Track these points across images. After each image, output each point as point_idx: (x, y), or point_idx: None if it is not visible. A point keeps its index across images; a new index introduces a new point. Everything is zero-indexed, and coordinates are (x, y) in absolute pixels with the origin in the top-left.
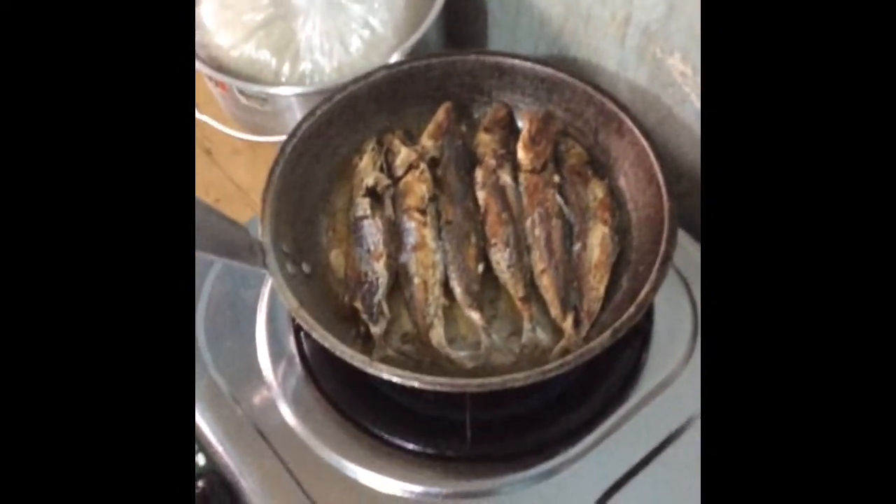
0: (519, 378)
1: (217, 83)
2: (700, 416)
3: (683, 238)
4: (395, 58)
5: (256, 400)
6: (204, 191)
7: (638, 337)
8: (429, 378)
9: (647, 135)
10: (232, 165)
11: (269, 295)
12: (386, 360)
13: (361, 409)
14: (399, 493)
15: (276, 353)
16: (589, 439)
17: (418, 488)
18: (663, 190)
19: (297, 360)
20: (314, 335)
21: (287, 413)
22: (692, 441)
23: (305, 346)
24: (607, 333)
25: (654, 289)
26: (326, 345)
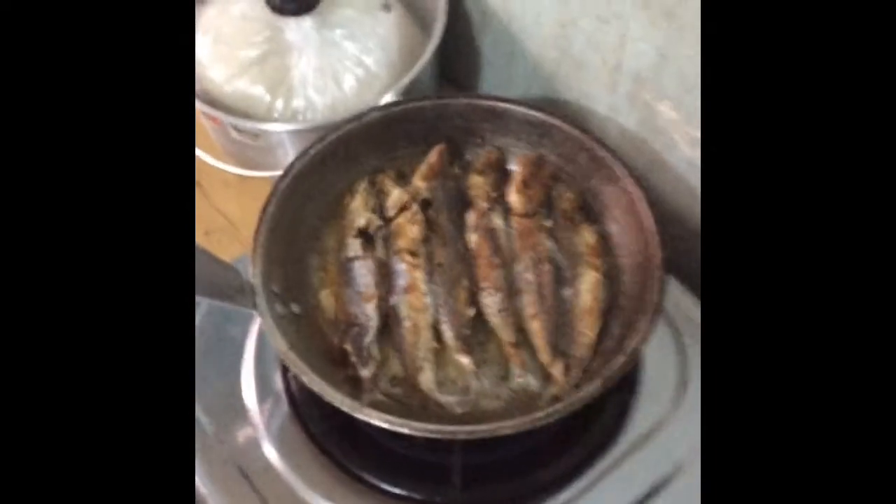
0: (508, 426)
1: (209, 117)
2: (689, 463)
3: (672, 284)
4: (388, 97)
5: (241, 440)
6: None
7: (626, 383)
8: (418, 425)
9: (638, 182)
10: (222, 199)
11: (257, 332)
12: (375, 405)
13: (348, 451)
14: None
15: (263, 392)
16: (576, 487)
17: None
18: (654, 239)
19: (285, 399)
20: (303, 379)
21: (272, 454)
22: (680, 489)
23: (293, 385)
24: (598, 382)
25: (645, 339)
26: (315, 389)
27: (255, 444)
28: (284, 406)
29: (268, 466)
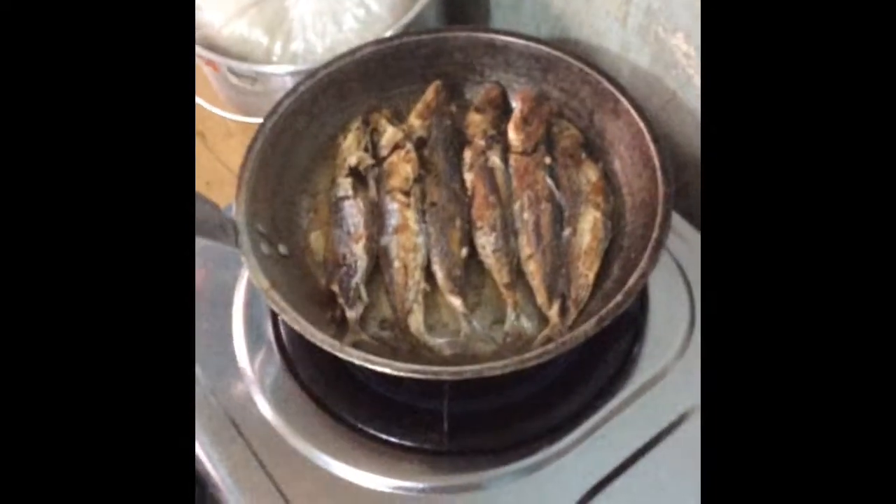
0: (497, 366)
1: (207, 62)
2: (694, 411)
3: (684, 228)
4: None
5: (231, 389)
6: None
7: (630, 327)
8: (401, 364)
9: (643, 115)
10: (225, 149)
11: (247, 278)
12: (360, 346)
13: (339, 398)
14: (376, 487)
15: (254, 341)
16: (575, 434)
17: (396, 482)
18: (658, 173)
19: (275, 347)
20: (284, 317)
21: (262, 402)
22: (685, 438)
23: (283, 332)
24: (592, 321)
25: (644, 275)
26: (296, 327)
27: (245, 393)
28: (275, 354)
29: (260, 417)
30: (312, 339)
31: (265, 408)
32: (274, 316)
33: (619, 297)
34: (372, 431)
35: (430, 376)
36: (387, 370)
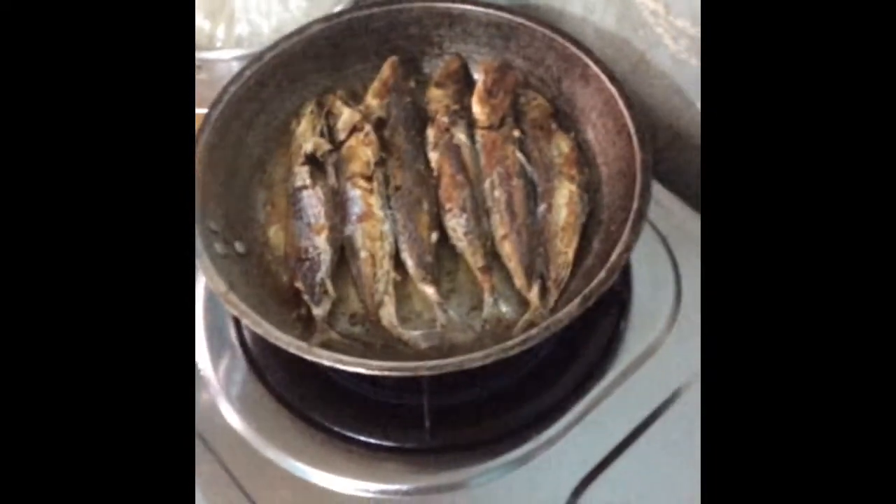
0: (477, 358)
1: None
2: (687, 387)
3: (663, 195)
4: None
5: (195, 399)
6: None
7: (614, 304)
8: (375, 363)
9: (614, 79)
10: None
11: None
12: (329, 345)
13: (311, 401)
14: (357, 493)
15: (216, 345)
16: (563, 421)
17: (378, 486)
18: (634, 140)
19: (240, 351)
20: (245, 321)
21: (229, 411)
22: (679, 416)
23: (248, 335)
24: (576, 302)
25: (627, 249)
26: (259, 331)
27: (209, 403)
28: (241, 360)
29: (224, 425)
30: (277, 343)
31: (233, 417)
32: (237, 318)
33: (602, 275)
34: (349, 434)
35: (407, 373)
36: (360, 370)
